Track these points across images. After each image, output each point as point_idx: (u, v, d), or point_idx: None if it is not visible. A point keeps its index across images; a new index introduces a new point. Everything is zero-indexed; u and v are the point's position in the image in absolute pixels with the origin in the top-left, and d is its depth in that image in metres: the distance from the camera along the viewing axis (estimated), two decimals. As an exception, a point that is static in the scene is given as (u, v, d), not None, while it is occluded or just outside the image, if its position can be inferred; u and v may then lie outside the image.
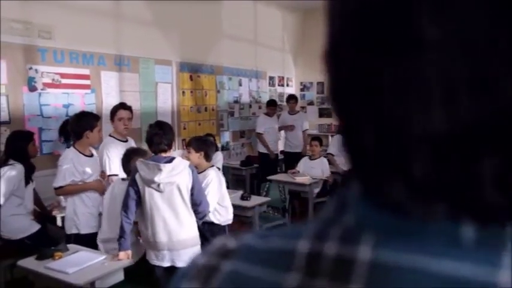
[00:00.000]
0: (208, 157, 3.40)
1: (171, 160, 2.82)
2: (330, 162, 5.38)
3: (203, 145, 3.41)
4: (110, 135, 3.78)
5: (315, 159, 5.55)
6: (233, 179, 6.22)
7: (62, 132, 4.09)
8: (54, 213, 3.86)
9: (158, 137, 2.82)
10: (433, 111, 0.23)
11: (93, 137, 3.33)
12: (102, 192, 3.36)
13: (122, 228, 2.81)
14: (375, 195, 0.26)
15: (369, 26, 0.24)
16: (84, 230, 3.26)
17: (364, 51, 0.25)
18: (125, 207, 2.82)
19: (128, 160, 3.19)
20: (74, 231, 3.26)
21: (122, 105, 3.81)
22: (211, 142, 3.73)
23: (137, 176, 2.79)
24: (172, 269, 2.83)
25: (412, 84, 0.23)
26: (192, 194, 2.87)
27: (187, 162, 2.94)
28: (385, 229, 0.25)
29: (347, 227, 0.27)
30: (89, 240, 3.11)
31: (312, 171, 5.41)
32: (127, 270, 2.77)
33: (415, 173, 0.24)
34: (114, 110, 3.76)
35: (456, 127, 0.23)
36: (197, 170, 3.11)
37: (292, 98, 6.88)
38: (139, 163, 2.81)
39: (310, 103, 8.71)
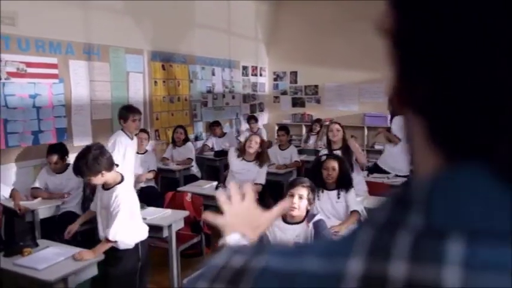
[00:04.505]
0: (111, 167, 2.75)
1: None
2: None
3: (96, 163, 2.63)
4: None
5: (284, 148, 5.70)
6: (207, 170, 6.19)
7: None
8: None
9: None
10: None
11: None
12: None
13: None
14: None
15: None
16: None
17: None
18: None
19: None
20: None
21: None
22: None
23: None
24: None
25: None
26: None
27: None
28: (474, 227, 0.20)
29: (418, 233, 0.21)
30: None
31: (282, 160, 5.54)
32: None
33: None
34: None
35: None
36: (106, 186, 2.76)
37: (251, 118, 7.31)
38: None
39: (284, 93, 8.70)
